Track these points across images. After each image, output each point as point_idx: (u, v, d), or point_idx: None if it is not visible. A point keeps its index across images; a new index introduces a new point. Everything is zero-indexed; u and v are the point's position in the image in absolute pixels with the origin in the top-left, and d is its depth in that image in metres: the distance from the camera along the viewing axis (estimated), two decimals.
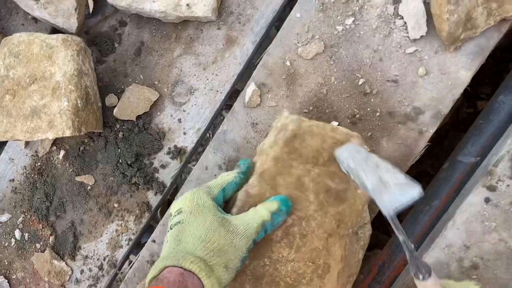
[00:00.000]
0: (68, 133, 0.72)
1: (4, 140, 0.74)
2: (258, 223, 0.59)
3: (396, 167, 0.64)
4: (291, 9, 0.78)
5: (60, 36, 0.74)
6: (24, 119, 0.73)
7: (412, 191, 0.61)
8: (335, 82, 0.77)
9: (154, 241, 0.83)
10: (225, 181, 0.65)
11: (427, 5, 0.74)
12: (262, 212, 0.61)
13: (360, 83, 0.76)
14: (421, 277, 0.63)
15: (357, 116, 0.77)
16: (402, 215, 1.06)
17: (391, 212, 0.62)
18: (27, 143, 0.87)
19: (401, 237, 0.64)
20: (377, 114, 0.76)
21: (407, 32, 0.75)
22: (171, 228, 0.60)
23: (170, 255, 0.55)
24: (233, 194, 0.68)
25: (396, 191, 0.62)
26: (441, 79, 0.75)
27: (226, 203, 0.70)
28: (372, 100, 0.76)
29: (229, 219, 0.60)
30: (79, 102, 0.74)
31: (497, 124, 0.80)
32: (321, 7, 0.77)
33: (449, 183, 0.84)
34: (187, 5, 0.75)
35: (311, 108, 0.78)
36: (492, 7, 0.67)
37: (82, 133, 0.74)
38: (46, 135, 0.73)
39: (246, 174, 0.68)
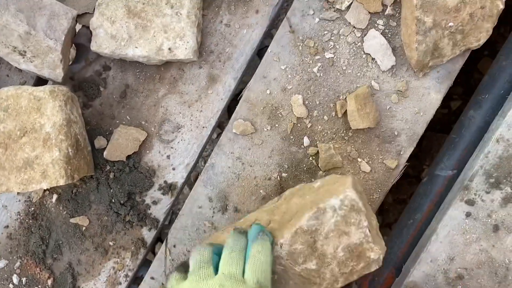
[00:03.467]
0: (61, 182, 0.74)
1: (0, 193, 0.76)
2: None
3: None
4: (269, 45, 0.82)
5: (47, 87, 0.76)
6: (18, 171, 0.75)
7: None
8: (317, 115, 0.81)
9: (152, 278, 0.86)
10: (268, 268, 0.63)
11: (389, 37, 0.79)
12: None
13: (339, 115, 0.80)
14: None
15: (339, 143, 0.81)
16: (388, 229, 1.10)
17: None
18: None
19: None
20: (359, 141, 0.81)
21: (378, 65, 0.80)
22: None
23: None
24: None
25: None
26: (413, 103, 0.80)
27: None
28: (351, 129, 0.80)
29: None
30: (70, 150, 0.76)
31: (469, 138, 0.85)
32: (295, 43, 0.81)
33: (429, 196, 0.89)
34: (169, 49, 0.78)
35: (292, 137, 0.82)
36: (457, 38, 0.71)
37: (75, 180, 0.77)
38: (40, 185, 0.75)
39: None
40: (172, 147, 0.85)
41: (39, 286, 0.89)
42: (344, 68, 0.80)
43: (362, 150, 0.81)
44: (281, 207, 0.75)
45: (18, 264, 0.90)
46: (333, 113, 0.81)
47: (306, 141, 0.82)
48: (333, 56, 0.80)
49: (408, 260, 0.85)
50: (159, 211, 0.86)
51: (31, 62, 0.76)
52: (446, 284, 0.80)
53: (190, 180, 0.88)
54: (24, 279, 0.89)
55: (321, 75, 0.81)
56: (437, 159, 0.90)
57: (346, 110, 0.80)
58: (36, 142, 0.75)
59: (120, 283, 0.87)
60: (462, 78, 1.32)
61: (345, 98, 0.80)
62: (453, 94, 1.43)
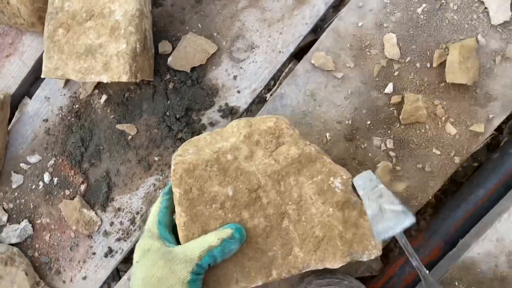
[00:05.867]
0: (124, 78, 0.67)
1: (54, 77, 0.69)
2: (202, 248, 0.58)
3: (396, 197, 0.63)
4: None
5: None
6: (77, 57, 0.68)
7: (405, 220, 0.60)
8: (409, 61, 0.73)
9: None
10: (155, 214, 0.64)
11: None
12: (209, 238, 0.59)
13: (434, 65, 0.72)
14: None
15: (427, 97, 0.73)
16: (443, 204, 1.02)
17: (380, 239, 0.61)
18: (66, 83, 0.81)
19: (414, 262, 0.63)
20: (449, 98, 0.73)
21: (489, 17, 0.71)
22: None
23: None
24: (173, 216, 0.66)
25: (390, 220, 0.61)
26: None
27: None
28: (443, 83, 0.72)
29: (172, 250, 0.59)
30: (138, 46, 0.68)
31: None
32: None
33: (497, 174, 0.82)
34: None
35: (377, 80, 0.74)
36: None
37: (137, 80, 0.69)
38: (100, 77, 0.67)
39: (170, 193, 0.65)
40: (241, 68, 0.77)
41: (71, 190, 0.83)
42: (451, 14, 0.72)
43: (450, 109, 0.74)
44: (287, 184, 0.64)
45: (52, 162, 0.83)
46: (428, 62, 0.73)
47: (389, 87, 0.74)
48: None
49: (467, 235, 0.79)
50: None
51: None
52: (508, 266, 0.74)
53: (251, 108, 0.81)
54: (55, 179, 0.83)
55: (424, 17, 0.72)
56: None
57: (443, 61, 0.71)
58: (102, 29, 0.67)
59: None
60: None
61: (446, 47, 0.72)
62: None
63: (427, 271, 0.63)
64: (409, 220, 0.60)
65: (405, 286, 0.84)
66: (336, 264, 0.63)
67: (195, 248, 0.58)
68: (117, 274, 0.88)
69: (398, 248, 0.89)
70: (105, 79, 0.67)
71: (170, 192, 0.65)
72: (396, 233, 0.60)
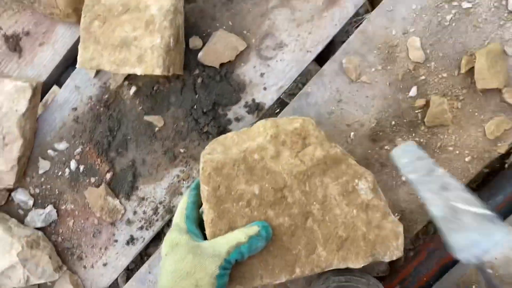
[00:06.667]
0: (158, 71, 0.69)
1: (89, 68, 0.71)
2: (230, 244, 0.60)
3: (470, 192, 0.50)
4: None
5: None
6: (112, 49, 0.69)
7: (495, 232, 0.44)
8: (436, 66, 0.74)
9: None
10: (183, 209, 0.65)
11: None
12: (237, 234, 0.61)
13: (462, 71, 0.73)
14: None
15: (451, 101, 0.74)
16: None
17: (470, 259, 0.45)
18: (97, 73, 0.83)
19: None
20: (474, 103, 0.74)
21: None
22: None
23: None
24: (200, 210, 0.67)
25: (473, 230, 0.46)
26: None
27: None
28: (469, 88, 0.73)
29: (201, 245, 0.61)
30: (171, 40, 0.70)
31: None
32: None
33: None
34: None
35: (401, 84, 0.75)
36: None
37: (169, 73, 0.71)
38: (134, 70, 0.69)
39: (197, 189, 0.67)
40: (269, 65, 0.79)
41: (96, 177, 0.85)
42: (479, 21, 0.73)
43: (474, 114, 0.75)
44: (313, 184, 0.65)
45: (79, 150, 0.85)
46: (455, 68, 0.74)
47: (413, 91, 0.75)
48: (471, 6, 0.72)
49: None
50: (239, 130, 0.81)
51: None
52: None
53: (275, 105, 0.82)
54: (82, 167, 0.85)
55: (453, 24, 0.73)
56: None
57: (471, 67, 0.72)
58: (138, 22, 0.69)
59: (181, 194, 0.83)
60: None
61: (472, 54, 0.73)
62: None
63: None
64: (501, 232, 0.44)
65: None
66: (358, 264, 0.64)
67: (223, 243, 0.60)
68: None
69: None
70: (139, 71, 0.69)
71: (197, 187, 0.67)
72: (490, 257, 0.44)
